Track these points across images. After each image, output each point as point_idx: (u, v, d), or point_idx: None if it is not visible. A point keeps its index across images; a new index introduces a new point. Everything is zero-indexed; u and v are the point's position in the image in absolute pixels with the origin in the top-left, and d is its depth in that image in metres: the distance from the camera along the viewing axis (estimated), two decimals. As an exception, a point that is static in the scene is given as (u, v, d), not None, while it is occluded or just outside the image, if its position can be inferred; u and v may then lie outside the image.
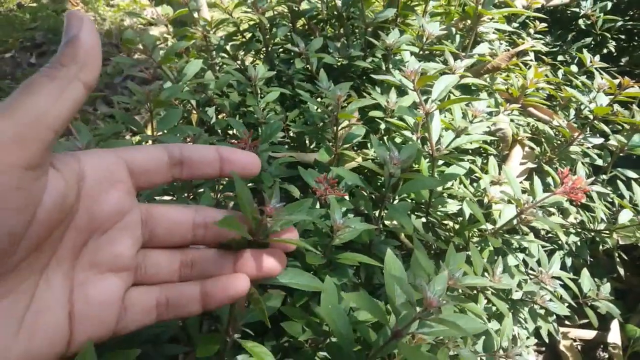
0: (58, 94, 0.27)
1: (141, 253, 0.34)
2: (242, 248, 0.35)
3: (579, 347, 1.21)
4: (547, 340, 0.87)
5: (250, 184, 0.74)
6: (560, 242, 0.92)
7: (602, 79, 0.88)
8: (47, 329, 0.28)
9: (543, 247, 1.01)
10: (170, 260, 0.35)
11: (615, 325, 1.15)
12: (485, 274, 0.66)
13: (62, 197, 0.28)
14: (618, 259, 0.97)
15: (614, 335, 1.14)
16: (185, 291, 0.34)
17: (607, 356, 1.16)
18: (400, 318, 0.42)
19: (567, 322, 1.19)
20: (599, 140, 0.91)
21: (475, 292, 0.69)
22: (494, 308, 0.66)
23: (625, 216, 0.82)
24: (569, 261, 0.98)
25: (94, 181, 0.30)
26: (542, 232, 1.01)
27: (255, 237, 0.34)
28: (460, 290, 0.58)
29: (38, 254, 0.28)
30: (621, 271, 0.96)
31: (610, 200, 0.94)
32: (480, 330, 0.45)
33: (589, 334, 1.20)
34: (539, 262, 0.71)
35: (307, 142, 0.89)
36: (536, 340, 1.01)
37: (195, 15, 0.90)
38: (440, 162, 0.75)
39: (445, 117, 0.80)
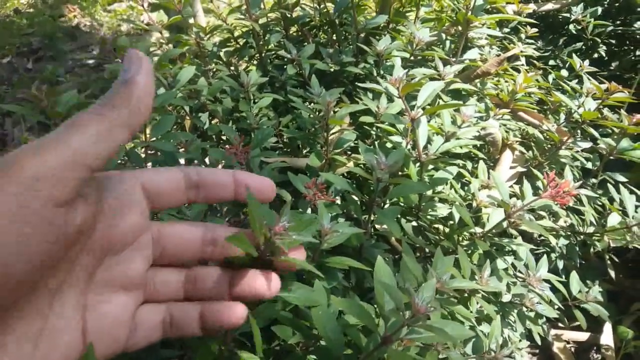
0: (104, 136, 0.27)
1: (151, 271, 0.35)
2: (245, 266, 0.35)
3: (572, 349, 1.21)
4: (539, 343, 0.88)
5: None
6: (552, 245, 0.93)
7: (590, 83, 0.89)
8: (62, 349, 0.29)
9: (535, 249, 1.02)
10: (177, 278, 0.36)
11: (607, 327, 1.16)
12: (476, 277, 0.67)
13: (83, 221, 0.28)
14: (609, 262, 0.98)
15: (607, 337, 1.15)
16: (189, 312, 0.35)
17: (600, 358, 1.17)
18: (390, 324, 0.43)
19: (560, 325, 1.20)
20: (588, 144, 0.92)
21: (466, 294, 0.70)
22: (485, 311, 0.66)
23: (614, 219, 0.83)
24: (560, 264, 0.99)
25: (112, 204, 0.31)
26: (535, 235, 1.02)
27: (261, 256, 0.34)
28: (451, 293, 0.59)
29: (54, 274, 0.28)
30: (612, 273, 0.97)
31: (601, 203, 0.95)
32: (467, 337, 0.45)
33: (582, 336, 1.21)
34: (527, 265, 0.72)
35: (300, 147, 0.90)
36: (529, 343, 1.02)
37: (191, 20, 0.91)
38: (431, 166, 0.76)
39: (435, 122, 0.81)
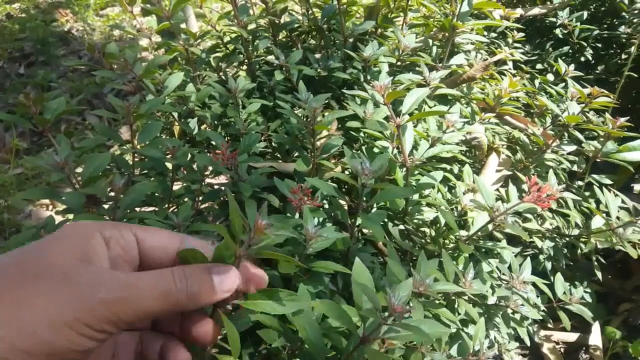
0: None
1: None
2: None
3: (562, 350, 1.23)
4: (528, 344, 0.89)
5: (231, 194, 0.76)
6: (540, 247, 0.94)
7: (573, 88, 0.91)
8: None
9: (524, 252, 1.03)
10: None
11: (596, 328, 1.17)
12: (461, 280, 0.67)
13: None
14: (596, 263, 0.99)
15: (595, 338, 1.16)
16: (154, 343, 0.37)
17: (588, 358, 1.18)
18: (368, 324, 0.43)
19: (550, 325, 1.21)
20: (572, 148, 0.94)
21: (452, 297, 0.71)
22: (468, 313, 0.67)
23: (597, 222, 0.84)
24: (549, 265, 1.00)
25: (111, 258, 0.34)
26: (524, 238, 1.03)
27: (237, 260, 0.36)
28: (436, 296, 0.60)
29: None
30: (599, 274, 0.98)
31: (586, 206, 0.96)
32: (444, 335, 0.46)
33: (571, 337, 1.22)
34: (510, 268, 0.73)
35: (288, 152, 0.91)
36: (518, 344, 1.03)
37: (183, 25, 0.92)
38: (417, 171, 0.77)
39: (421, 126, 0.82)
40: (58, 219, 0.68)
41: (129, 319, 0.30)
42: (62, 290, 0.28)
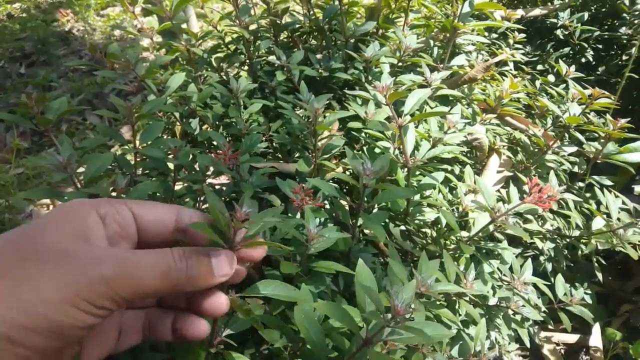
0: None
1: None
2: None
3: (562, 351, 1.23)
4: (528, 345, 0.89)
5: (232, 194, 0.76)
6: (541, 248, 0.95)
7: (574, 89, 0.91)
8: None
9: (524, 253, 1.03)
10: None
11: (596, 329, 1.17)
12: (462, 280, 0.68)
13: None
14: (597, 264, 0.99)
15: (596, 339, 1.16)
16: (163, 319, 0.38)
17: (589, 359, 1.18)
18: (371, 326, 0.44)
19: (550, 327, 1.21)
20: (573, 149, 0.94)
21: (454, 298, 0.71)
22: (470, 314, 0.67)
23: (598, 223, 0.84)
24: (549, 266, 1.00)
25: (108, 236, 0.34)
26: (525, 239, 1.03)
27: (227, 244, 0.36)
28: (437, 296, 0.60)
29: None
30: (599, 275, 0.98)
31: (587, 207, 0.96)
32: (446, 337, 0.46)
33: (572, 338, 1.22)
34: (511, 269, 0.73)
35: (290, 152, 0.91)
36: (518, 345, 1.03)
37: (184, 25, 0.92)
38: (419, 172, 0.77)
39: (423, 127, 0.82)
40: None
41: (128, 296, 0.30)
42: (60, 268, 0.28)
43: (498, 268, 0.73)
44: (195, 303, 0.36)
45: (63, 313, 0.27)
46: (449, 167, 0.83)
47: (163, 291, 0.32)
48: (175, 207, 0.38)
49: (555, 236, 0.91)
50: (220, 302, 0.36)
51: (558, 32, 1.37)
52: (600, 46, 1.38)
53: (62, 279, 0.28)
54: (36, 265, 0.28)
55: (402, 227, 0.77)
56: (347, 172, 0.77)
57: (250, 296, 0.43)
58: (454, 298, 0.70)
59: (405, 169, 0.69)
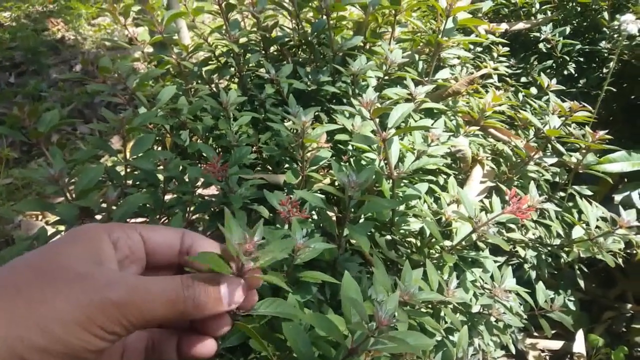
0: None
1: None
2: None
3: (547, 357, 1.25)
4: (513, 352, 0.91)
5: (221, 205, 0.77)
6: (524, 256, 0.97)
7: (554, 102, 0.94)
8: None
9: (509, 261, 1.06)
10: None
11: (580, 336, 1.20)
12: (446, 288, 0.69)
13: None
14: (579, 272, 1.02)
15: (579, 345, 1.19)
16: (168, 340, 0.38)
17: (573, 365, 1.21)
18: (356, 337, 0.45)
19: (535, 334, 1.23)
20: (553, 160, 0.97)
21: (437, 306, 0.73)
22: (451, 322, 0.69)
23: (578, 231, 0.87)
24: (533, 274, 1.03)
25: (118, 259, 0.35)
26: (505, 248, 1.06)
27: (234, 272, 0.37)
28: (421, 304, 0.61)
29: None
30: (582, 283, 1.01)
31: (567, 217, 0.99)
32: (429, 347, 0.48)
33: (556, 345, 1.25)
34: (492, 277, 0.75)
35: (279, 163, 0.92)
36: (504, 352, 1.05)
37: (175, 36, 0.93)
38: (403, 183, 0.80)
39: (407, 139, 0.84)
40: (49, 229, 0.70)
41: (137, 322, 0.31)
42: (76, 290, 0.29)
43: (480, 276, 0.75)
44: (199, 324, 0.37)
45: (76, 335, 0.28)
46: (434, 178, 0.85)
47: (170, 318, 0.32)
48: (181, 231, 0.39)
49: (537, 245, 0.94)
50: (224, 322, 0.37)
51: (541, 45, 1.41)
52: (581, 59, 1.42)
53: (77, 300, 0.29)
54: (53, 286, 0.29)
55: (388, 237, 0.79)
56: (335, 184, 0.79)
57: (253, 315, 0.44)
58: (438, 306, 0.72)
59: (390, 180, 0.71)
